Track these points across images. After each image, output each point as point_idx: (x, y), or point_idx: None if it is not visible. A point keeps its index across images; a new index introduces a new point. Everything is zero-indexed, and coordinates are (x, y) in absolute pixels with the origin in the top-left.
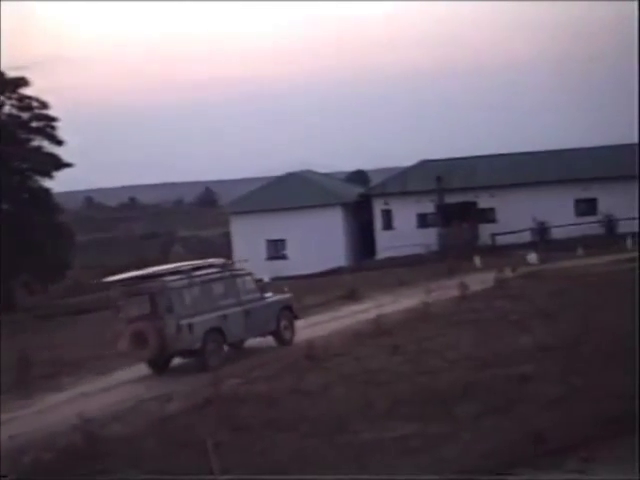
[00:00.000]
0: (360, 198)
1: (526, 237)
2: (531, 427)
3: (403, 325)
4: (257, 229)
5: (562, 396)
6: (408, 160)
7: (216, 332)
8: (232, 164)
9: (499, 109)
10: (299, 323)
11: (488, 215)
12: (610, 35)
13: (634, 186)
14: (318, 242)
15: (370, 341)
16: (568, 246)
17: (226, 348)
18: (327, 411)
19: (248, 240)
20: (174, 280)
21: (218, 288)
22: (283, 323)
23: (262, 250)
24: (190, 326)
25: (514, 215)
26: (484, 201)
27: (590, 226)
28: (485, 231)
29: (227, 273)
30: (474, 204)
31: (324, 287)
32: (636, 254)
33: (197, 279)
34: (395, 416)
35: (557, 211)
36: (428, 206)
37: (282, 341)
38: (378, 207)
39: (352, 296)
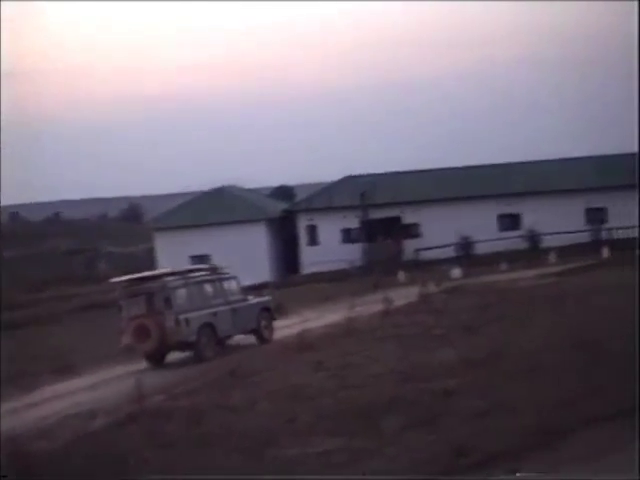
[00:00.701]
0: (285, 214)
1: (450, 252)
2: (455, 440)
3: (328, 340)
4: (181, 245)
5: (485, 409)
6: (333, 176)
7: (208, 327)
8: (158, 179)
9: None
10: None
11: (412, 230)
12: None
13: (558, 201)
14: (243, 258)
15: (295, 356)
16: (492, 261)
17: None
18: (252, 426)
19: (172, 256)
20: (172, 280)
21: (209, 289)
22: (263, 322)
23: (186, 266)
24: (187, 321)
25: (438, 230)
26: (408, 216)
27: (514, 241)
28: (409, 246)
29: (216, 276)
30: (398, 219)
31: None
32: (559, 268)
33: (191, 280)
34: (319, 431)
35: (481, 226)
36: (353, 221)
37: (262, 339)
38: (303, 222)
39: (277, 311)
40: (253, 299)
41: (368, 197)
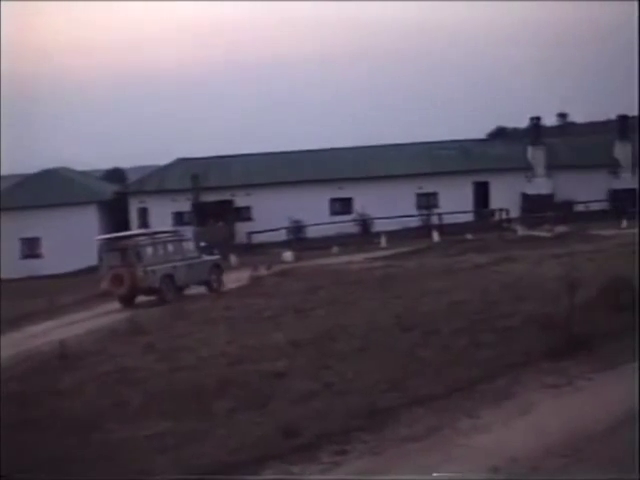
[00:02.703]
0: (116, 196)
1: (282, 236)
2: (284, 422)
3: (159, 323)
4: (11, 227)
5: (315, 391)
6: (166, 158)
7: (169, 277)
8: None
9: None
10: (53, 323)
11: (244, 214)
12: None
13: (389, 186)
14: (74, 240)
15: (125, 339)
16: (323, 244)
17: None
18: (81, 410)
19: (2, 238)
20: (142, 239)
21: (170, 247)
22: (213, 276)
23: (16, 249)
24: (153, 271)
25: (270, 214)
26: (240, 200)
27: (346, 225)
28: (242, 229)
29: (176, 237)
30: (230, 203)
31: (80, 286)
32: (389, 252)
33: (157, 240)
34: (150, 414)
35: (313, 210)
36: (185, 205)
37: (211, 289)
38: (134, 205)
39: (107, 295)
40: (206, 257)
41: (200, 180)
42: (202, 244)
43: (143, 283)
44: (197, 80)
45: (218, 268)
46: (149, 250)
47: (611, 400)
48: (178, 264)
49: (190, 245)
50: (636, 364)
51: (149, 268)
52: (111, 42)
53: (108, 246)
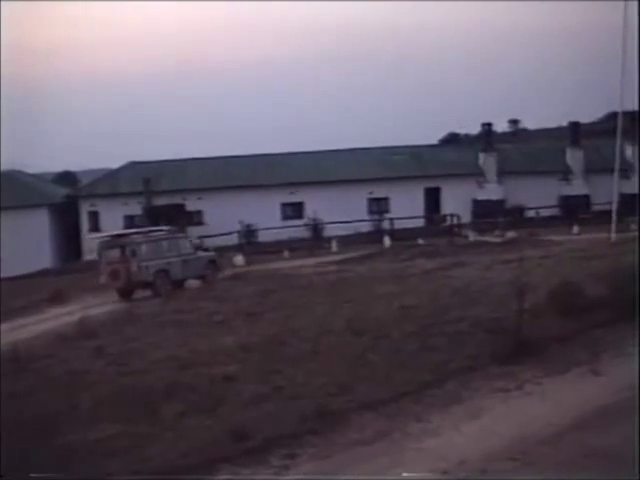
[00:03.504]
0: (67, 199)
1: (234, 240)
2: (234, 425)
3: (109, 327)
4: None
5: (265, 394)
6: (118, 161)
7: (163, 272)
8: None
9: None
10: (4, 326)
11: (196, 218)
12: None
13: (341, 191)
14: (24, 244)
15: (75, 343)
16: (275, 249)
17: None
18: (32, 414)
19: None
20: (137, 237)
21: (165, 244)
22: (208, 271)
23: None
24: (146, 267)
25: (222, 218)
26: (192, 204)
27: (297, 229)
28: (194, 233)
29: (171, 235)
30: (182, 206)
31: (29, 290)
32: (341, 257)
33: (151, 237)
34: (100, 417)
35: (264, 214)
36: (136, 208)
37: (206, 282)
38: (85, 209)
39: (57, 298)
40: (201, 253)
41: (152, 183)
42: (196, 242)
43: (137, 277)
44: (149, 83)
45: (213, 263)
46: (143, 247)
47: (560, 404)
48: (173, 260)
49: (186, 242)
50: (585, 367)
51: (143, 264)
52: (61, 45)
53: (106, 244)
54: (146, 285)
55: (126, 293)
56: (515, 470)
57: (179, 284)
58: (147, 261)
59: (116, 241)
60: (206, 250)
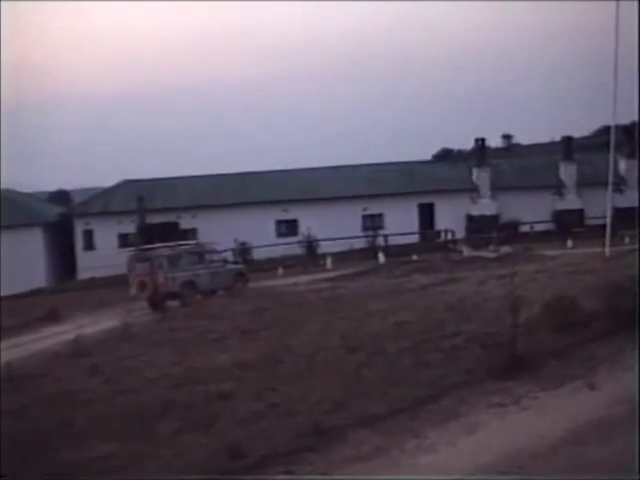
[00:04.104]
0: (61, 218)
1: (228, 257)
2: (230, 442)
3: (104, 345)
4: None
5: (261, 411)
6: (112, 180)
7: (189, 283)
8: None
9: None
10: None
11: (190, 236)
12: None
13: (335, 208)
14: (19, 263)
15: (70, 362)
16: (270, 266)
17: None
18: (28, 432)
19: None
20: (165, 251)
21: (192, 257)
22: (238, 284)
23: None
24: (173, 278)
25: (216, 236)
26: (186, 222)
27: (292, 247)
28: None
29: (199, 249)
30: (176, 225)
31: (25, 308)
32: (335, 274)
33: (178, 251)
34: (96, 435)
35: (258, 232)
36: (130, 226)
37: (233, 293)
38: (79, 227)
39: (52, 317)
40: (230, 266)
41: (146, 202)
42: (225, 255)
43: (164, 288)
44: (142, 101)
45: (242, 275)
46: (170, 260)
47: (556, 418)
48: (200, 272)
49: (214, 256)
50: (581, 382)
51: (170, 275)
52: (49, 63)
53: (136, 257)
54: (173, 295)
55: (155, 303)
56: None
57: (207, 295)
58: (173, 273)
59: (145, 254)
60: (236, 263)
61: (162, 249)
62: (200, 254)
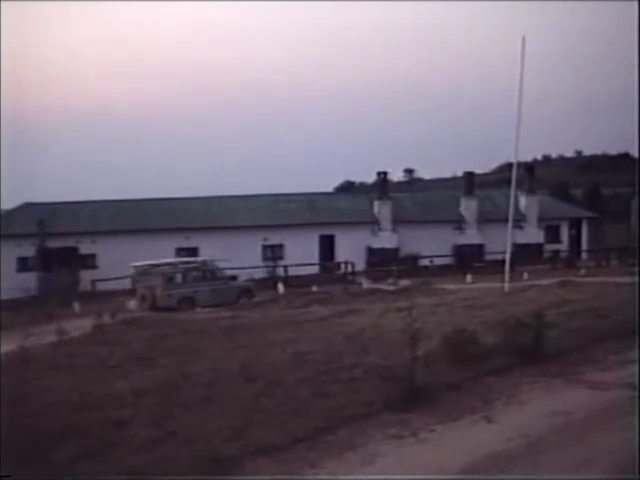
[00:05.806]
0: None
1: (127, 284)
2: (126, 470)
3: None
4: None
5: (158, 439)
6: (12, 202)
7: (188, 299)
8: None
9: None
10: None
11: (89, 261)
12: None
13: (235, 237)
14: None
15: None
16: None
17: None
18: None
19: None
20: (167, 268)
21: (193, 274)
22: (243, 299)
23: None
24: (170, 294)
25: (115, 262)
26: (85, 247)
27: None
28: (86, 277)
29: (201, 266)
30: (75, 249)
31: None
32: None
33: (179, 268)
34: None
35: (158, 259)
36: (30, 250)
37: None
38: None
39: None
40: (234, 283)
41: (46, 225)
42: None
43: (162, 303)
44: (44, 125)
45: (249, 292)
46: (171, 276)
47: (454, 451)
48: (201, 289)
49: (217, 273)
50: (478, 415)
51: (167, 292)
52: None
53: (141, 271)
54: (170, 310)
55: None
56: None
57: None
58: (173, 289)
59: (149, 269)
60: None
61: (164, 266)
62: (204, 271)
